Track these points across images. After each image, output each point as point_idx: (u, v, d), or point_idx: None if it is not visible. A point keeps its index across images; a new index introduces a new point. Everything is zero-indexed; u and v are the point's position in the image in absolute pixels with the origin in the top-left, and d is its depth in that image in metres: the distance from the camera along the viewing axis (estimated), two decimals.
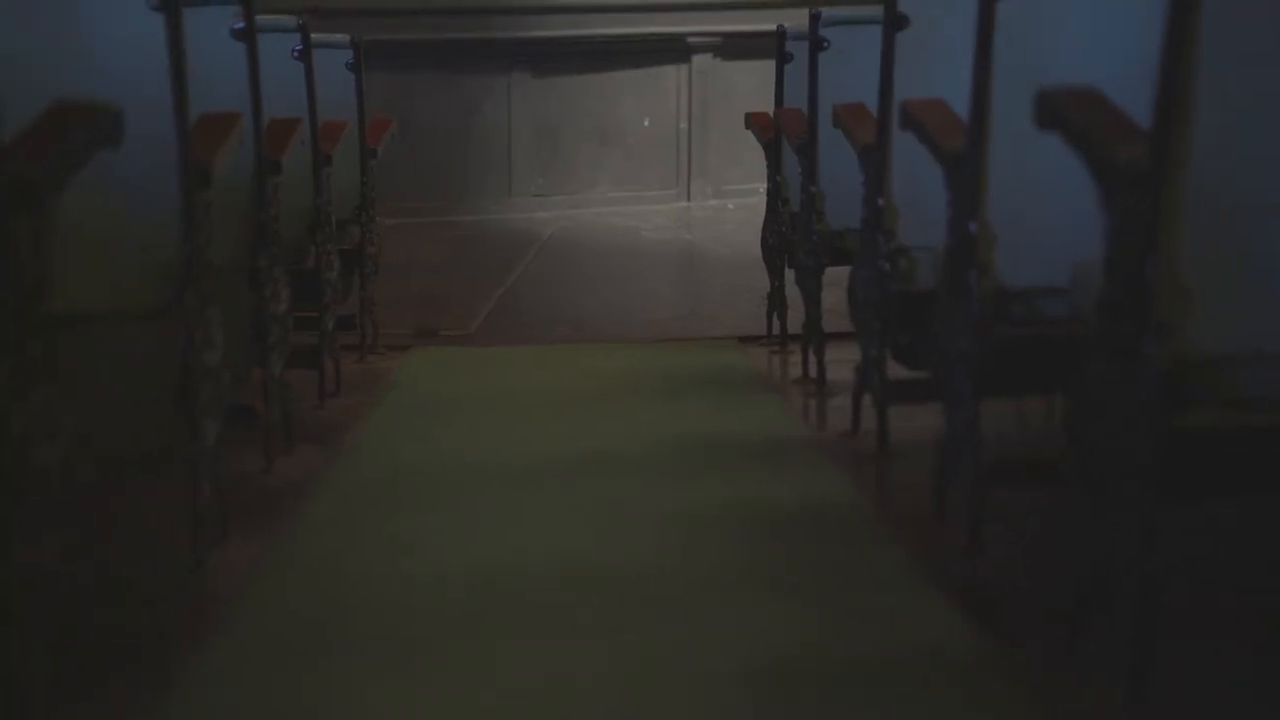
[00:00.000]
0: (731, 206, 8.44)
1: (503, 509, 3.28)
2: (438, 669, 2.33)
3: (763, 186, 5.23)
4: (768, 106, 5.28)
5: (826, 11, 4.19)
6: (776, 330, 5.09)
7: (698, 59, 8.94)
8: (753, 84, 7.47)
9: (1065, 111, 2.23)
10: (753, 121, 5.28)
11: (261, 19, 3.57)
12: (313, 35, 4.37)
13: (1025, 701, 2.14)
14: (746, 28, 8.24)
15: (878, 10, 3.53)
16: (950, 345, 2.77)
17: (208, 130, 2.77)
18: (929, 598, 2.57)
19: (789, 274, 4.90)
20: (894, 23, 3.35)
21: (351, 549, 2.98)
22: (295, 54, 4.15)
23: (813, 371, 4.50)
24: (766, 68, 5.32)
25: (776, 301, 5.09)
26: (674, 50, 8.92)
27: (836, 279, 4.09)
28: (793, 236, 4.75)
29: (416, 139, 7.18)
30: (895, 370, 3.51)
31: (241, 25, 3.37)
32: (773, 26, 5.46)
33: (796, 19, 5.63)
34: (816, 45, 4.23)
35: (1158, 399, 1.89)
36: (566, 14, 8.74)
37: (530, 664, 2.35)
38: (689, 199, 9.00)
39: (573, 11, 8.75)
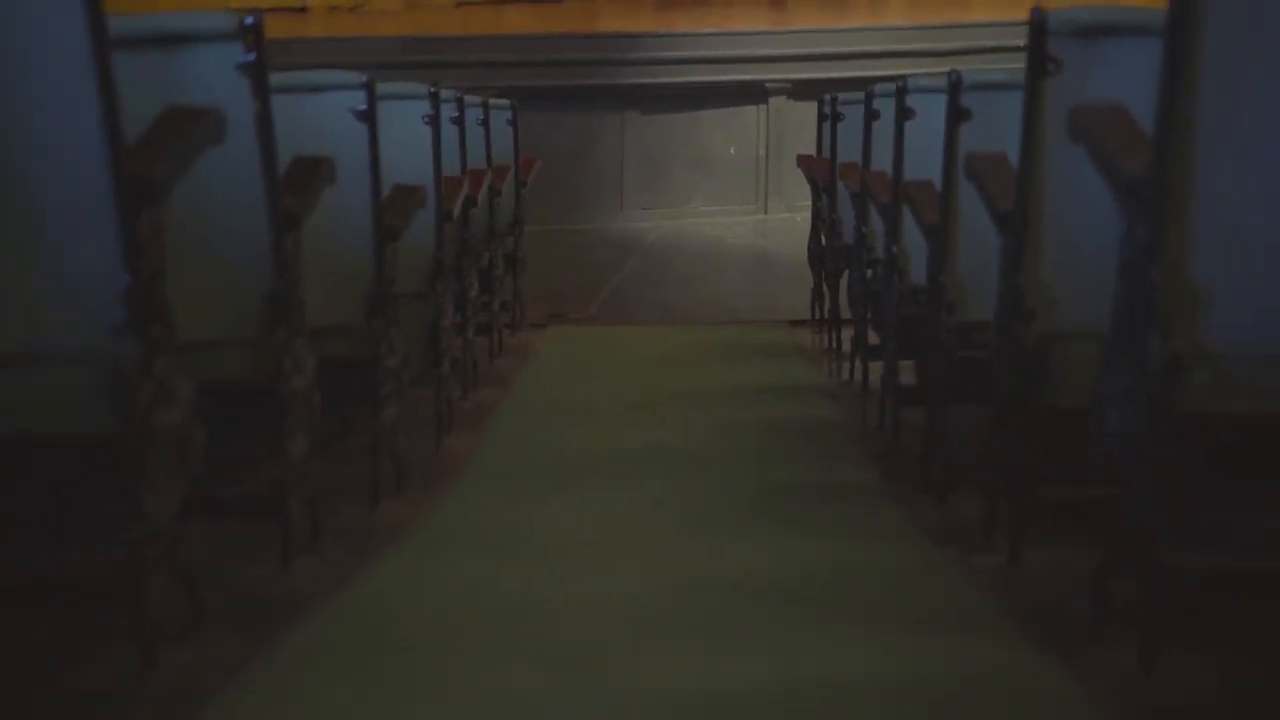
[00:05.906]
0: (799, 219, 8.67)
1: (621, 419, 5.05)
2: (577, 492, 4.06)
3: None
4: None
5: (842, 95, 5.88)
6: (817, 316, 6.58)
7: (773, 100, 9.82)
8: (817, 120, 8.26)
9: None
10: (800, 162, 6.84)
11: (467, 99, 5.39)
12: (488, 103, 6.19)
13: (901, 506, 3.87)
14: (812, 76, 9.18)
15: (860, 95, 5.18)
16: (886, 320, 4.56)
17: (448, 185, 4.60)
18: (863, 463, 4.34)
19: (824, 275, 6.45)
20: (872, 114, 5.07)
21: (528, 437, 4.79)
22: (479, 122, 5.93)
23: (834, 344, 6.15)
24: None
25: (817, 295, 6.58)
26: (754, 93, 9.82)
27: None
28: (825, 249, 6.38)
29: (547, 163, 7.67)
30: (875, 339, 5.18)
31: (456, 114, 5.19)
32: (832, 76, 6.92)
33: (848, 68, 7.13)
34: (835, 117, 5.88)
35: (952, 342, 3.67)
36: (668, 65, 9.75)
37: (634, 489, 4.06)
38: (766, 213, 9.90)
39: (673, 63, 9.76)
